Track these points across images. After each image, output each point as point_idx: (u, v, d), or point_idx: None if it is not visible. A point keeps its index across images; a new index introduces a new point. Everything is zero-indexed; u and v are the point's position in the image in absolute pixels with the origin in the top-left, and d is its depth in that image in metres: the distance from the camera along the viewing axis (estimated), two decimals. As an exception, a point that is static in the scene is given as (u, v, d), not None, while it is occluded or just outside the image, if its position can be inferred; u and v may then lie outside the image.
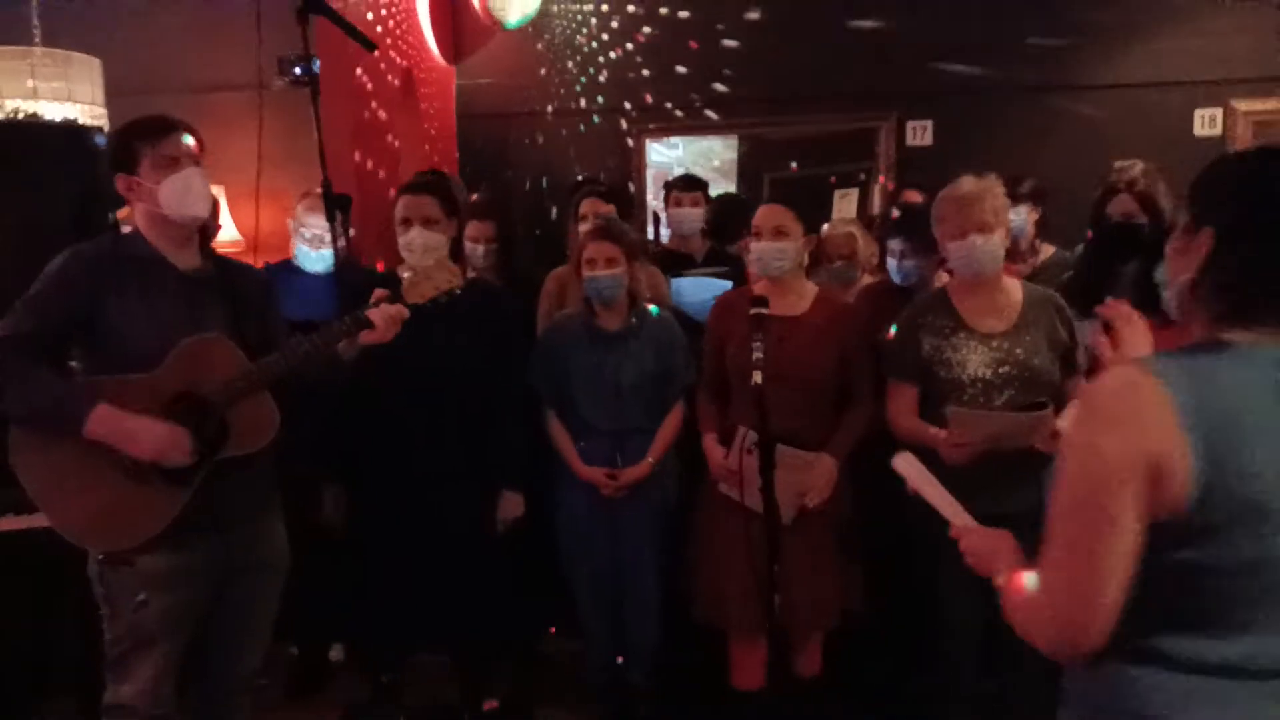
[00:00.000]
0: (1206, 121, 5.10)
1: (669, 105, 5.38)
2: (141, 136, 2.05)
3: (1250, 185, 1.21)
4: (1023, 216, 3.44)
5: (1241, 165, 1.26)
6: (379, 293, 2.18)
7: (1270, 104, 5.03)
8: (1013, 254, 3.42)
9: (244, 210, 3.70)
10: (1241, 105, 5.07)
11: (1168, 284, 1.29)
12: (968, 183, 2.44)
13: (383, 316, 2.14)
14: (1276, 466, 1.10)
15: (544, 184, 5.12)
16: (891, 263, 3.06)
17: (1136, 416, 1.11)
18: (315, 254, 3.25)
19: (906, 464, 1.60)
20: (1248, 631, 1.14)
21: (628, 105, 5.40)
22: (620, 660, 2.86)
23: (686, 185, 3.83)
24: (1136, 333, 1.69)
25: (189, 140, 2.10)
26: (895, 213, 3.62)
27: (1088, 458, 1.14)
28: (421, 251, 2.59)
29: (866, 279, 3.51)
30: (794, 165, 5.98)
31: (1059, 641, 1.19)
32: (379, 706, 2.90)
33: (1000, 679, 2.63)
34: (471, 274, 2.83)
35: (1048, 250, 3.55)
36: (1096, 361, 2.61)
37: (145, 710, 2.05)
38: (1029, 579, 1.27)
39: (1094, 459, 1.13)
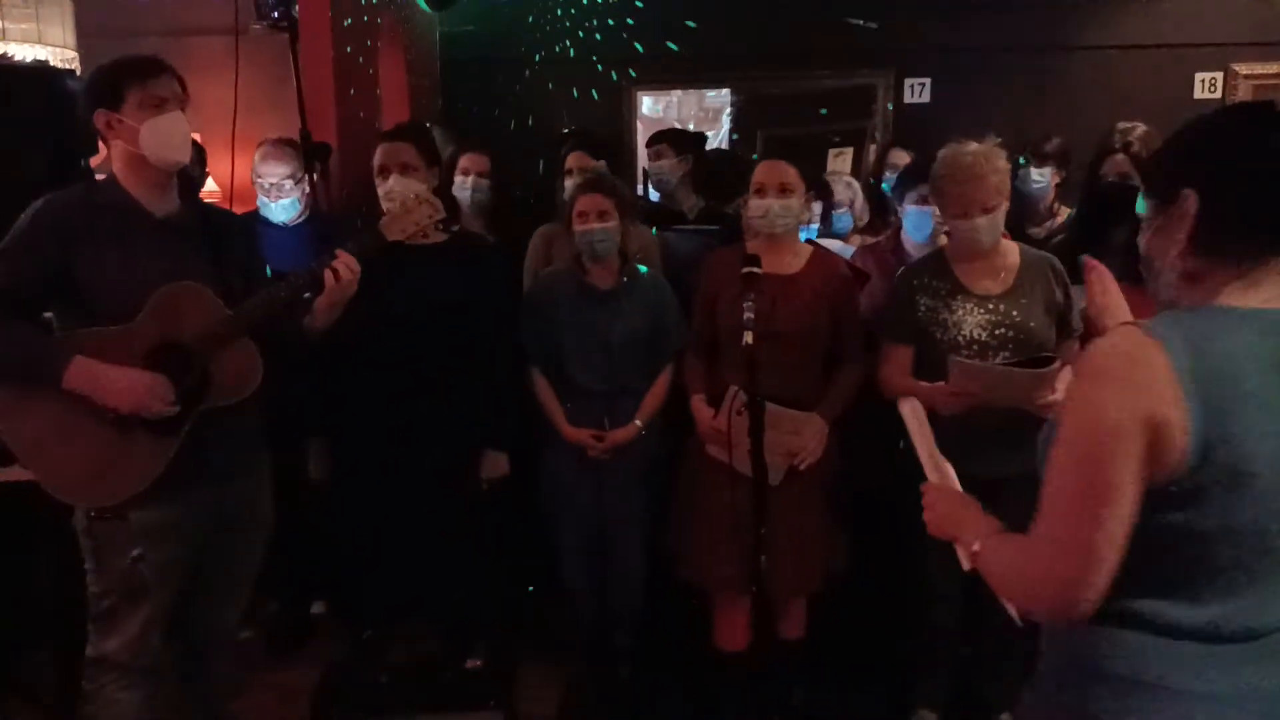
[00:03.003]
0: (1207, 85, 5.04)
1: (660, 56, 5.26)
2: (131, 74, 1.98)
3: (1229, 140, 1.18)
4: (1046, 178, 3.37)
5: (1215, 123, 1.21)
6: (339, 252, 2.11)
7: (1271, 68, 4.98)
8: (1031, 216, 3.37)
9: (219, 160, 3.60)
10: (1242, 69, 5.01)
11: (1156, 266, 1.25)
12: (970, 153, 2.35)
13: (343, 265, 2.07)
14: (1262, 433, 1.10)
15: (531, 136, 5.01)
16: (915, 211, 2.88)
17: (1138, 377, 1.10)
18: (275, 204, 3.17)
19: (911, 411, 1.56)
20: (1226, 596, 1.15)
21: (618, 56, 5.27)
22: (603, 620, 2.85)
23: (651, 141, 3.73)
24: (1109, 294, 1.69)
25: (177, 84, 2.03)
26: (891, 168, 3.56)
27: (1090, 417, 1.12)
28: (401, 200, 2.52)
29: (857, 239, 3.46)
30: (824, 114, 5.81)
31: (1057, 602, 1.16)
32: (360, 663, 2.88)
33: (977, 643, 2.64)
34: (455, 227, 2.76)
35: (1065, 213, 3.48)
36: (1091, 325, 2.60)
37: (130, 662, 2.04)
38: (1010, 541, 1.26)
39: (1097, 418, 1.11)
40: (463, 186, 3.28)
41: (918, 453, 1.53)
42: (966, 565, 1.34)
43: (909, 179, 2.95)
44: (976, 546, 1.30)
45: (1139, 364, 1.10)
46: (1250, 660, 1.16)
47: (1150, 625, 1.16)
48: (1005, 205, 2.38)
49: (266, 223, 3.20)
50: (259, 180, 3.18)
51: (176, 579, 2.07)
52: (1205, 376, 1.09)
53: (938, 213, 2.68)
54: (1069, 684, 1.24)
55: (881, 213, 3.61)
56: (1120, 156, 3.16)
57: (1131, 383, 1.10)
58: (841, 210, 3.31)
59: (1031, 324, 2.37)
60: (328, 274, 2.07)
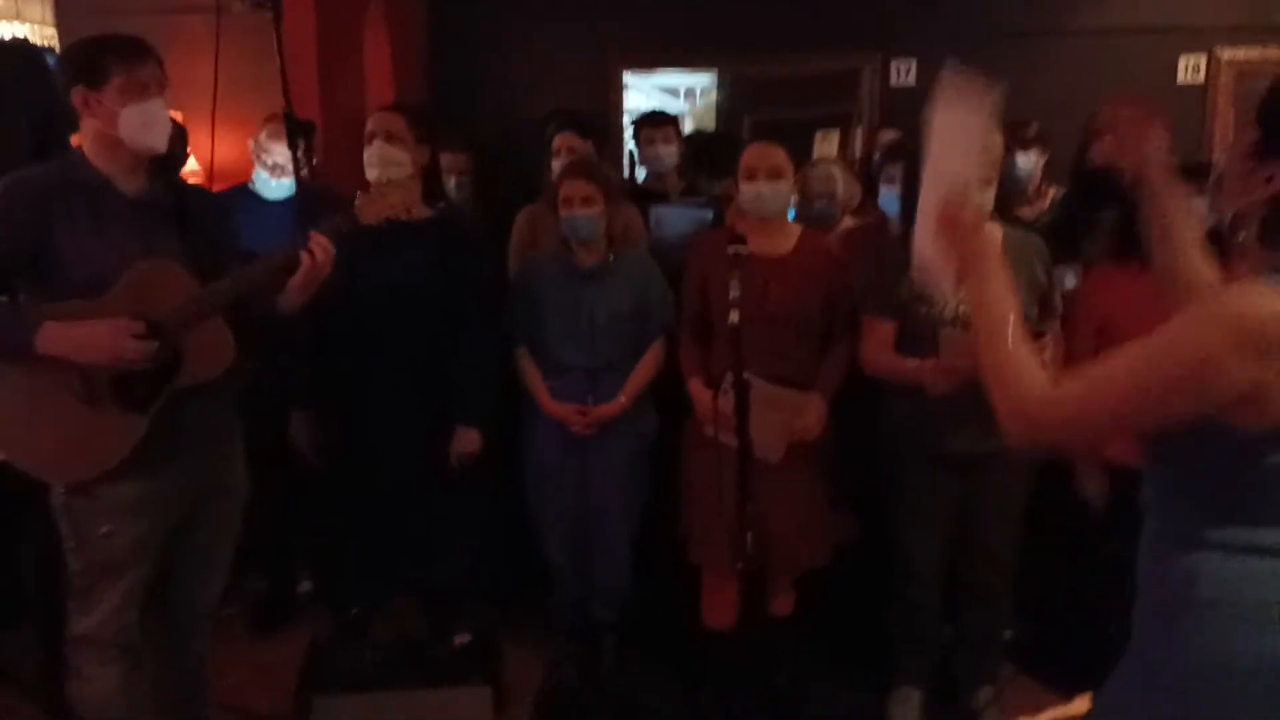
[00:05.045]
0: (1190, 69, 5.05)
1: (646, 38, 5.23)
2: (116, 55, 1.94)
3: None
4: (1032, 161, 3.40)
5: None
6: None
7: (1254, 52, 4.99)
8: (1019, 198, 3.40)
9: (200, 139, 3.57)
10: (1225, 53, 5.02)
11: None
12: None
13: (318, 247, 2.05)
14: None
15: (517, 115, 4.98)
16: (887, 191, 2.99)
17: (1263, 341, 1.12)
18: (275, 182, 3.16)
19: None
20: None
21: (605, 36, 5.24)
22: (588, 598, 2.87)
23: (657, 122, 3.69)
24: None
25: (159, 70, 2.00)
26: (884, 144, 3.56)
27: (1198, 354, 1.15)
28: (380, 165, 2.52)
29: (848, 221, 3.46)
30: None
31: (1022, 423, 1.25)
32: (346, 640, 2.89)
33: (958, 622, 2.67)
34: (442, 205, 2.76)
35: (1053, 192, 3.51)
36: (1072, 304, 2.62)
37: (110, 639, 2.04)
38: (1028, 353, 1.29)
39: (1204, 360, 1.14)
40: (447, 184, 3.29)
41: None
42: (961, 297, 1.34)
43: (885, 160, 3.01)
44: (1009, 332, 1.31)
45: (1273, 332, 1.12)
46: None
47: (1256, 551, 1.21)
48: (994, 186, 2.39)
49: (256, 198, 3.19)
50: (264, 156, 3.17)
51: (151, 554, 2.07)
52: None
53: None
54: (1180, 619, 1.27)
55: (874, 195, 3.61)
56: (1107, 140, 3.17)
57: (1259, 349, 1.12)
58: (822, 202, 3.30)
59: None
60: (304, 255, 2.04)
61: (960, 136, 1.44)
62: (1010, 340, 1.30)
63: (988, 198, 2.36)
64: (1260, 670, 1.20)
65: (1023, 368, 1.28)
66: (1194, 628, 1.25)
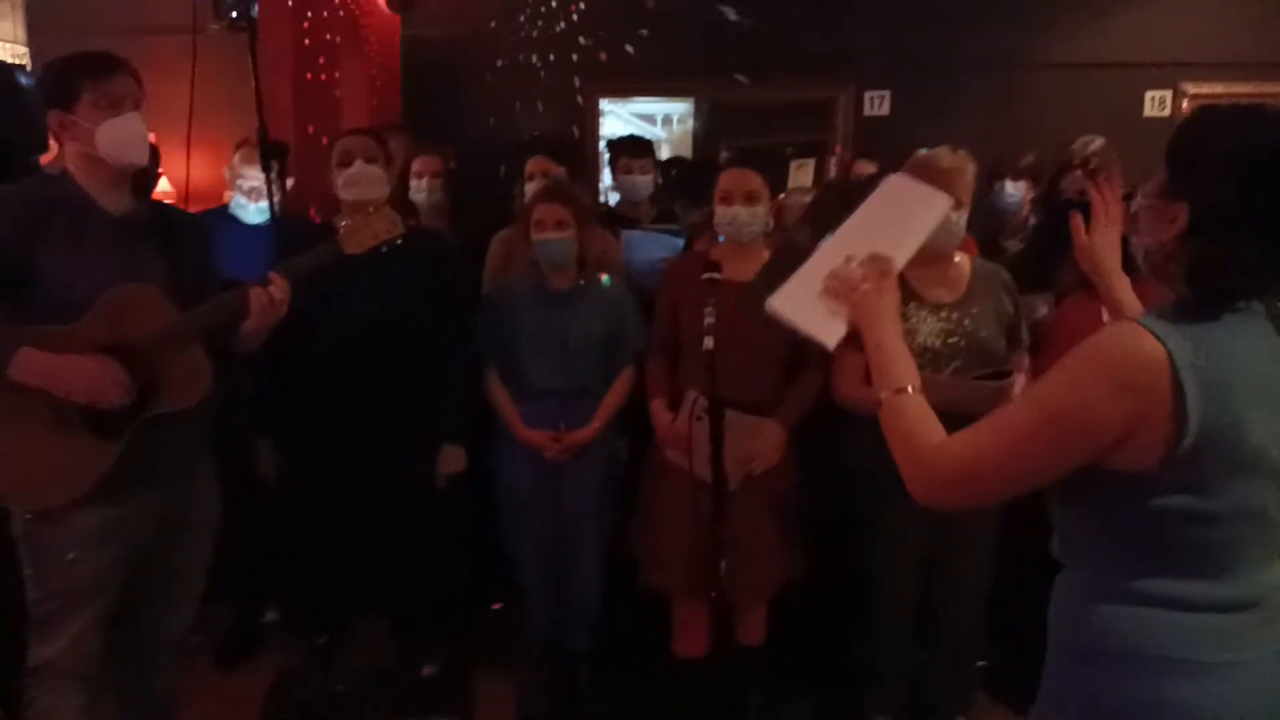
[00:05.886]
0: (1156, 103, 5.17)
1: (623, 65, 5.27)
2: (85, 72, 1.93)
3: (1231, 163, 1.17)
4: (1020, 192, 3.44)
5: (1224, 134, 1.20)
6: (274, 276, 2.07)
7: (1219, 88, 5.11)
8: (1004, 230, 3.45)
9: (175, 161, 3.55)
10: (1191, 88, 5.14)
11: (1135, 238, 1.31)
12: (946, 156, 2.39)
13: (258, 303, 2.02)
14: (1265, 423, 1.15)
15: (493, 140, 4.99)
16: None
17: (1135, 379, 1.15)
18: (253, 206, 3.15)
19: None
20: (1227, 575, 1.21)
21: (581, 63, 5.27)
22: (561, 625, 2.84)
23: (636, 151, 3.68)
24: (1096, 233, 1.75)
25: (132, 81, 1.99)
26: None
27: (1080, 399, 1.17)
28: (366, 184, 2.52)
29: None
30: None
31: (936, 489, 1.28)
32: (314, 670, 2.84)
33: (929, 653, 2.67)
34: (412, 222, 2.77)
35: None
36: (1040, 336, 2.65)
37: (71, 670, 1.99)
38: (929, 415, 1.32)
39: (1085, 403, 1.17)
40: (418, 189, 3.29)
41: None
42: (831, 342, 1.43)
43: (857, 194, 3.04)
44: (909, 389, 1.34)
45: (1137, 364, 1.15)
46: (1259, 626, 1.22)
47: (1172, 603, 1.21)
48: (967, 212, 2.42)
49: (234, 222, 3.17)
50: (240, 181, 3.15)
51: (116, 583, 2.02)
52: (1202, 370, 1.13)
53: None
54: (1086, 667, 1.27)
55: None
56: (1079, 173, 3.23)
57: (1126, 383, 1.15)
58: None
59: (983, 334, 2.40)
60: (255, 294, 2.02)
61: (898, 222, 1.51)
62: (906, 396, 1.34)
63: (960, 223, 2.39)
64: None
65: (915, 424, 1.31)
66: (1098, 674, 1.26)
